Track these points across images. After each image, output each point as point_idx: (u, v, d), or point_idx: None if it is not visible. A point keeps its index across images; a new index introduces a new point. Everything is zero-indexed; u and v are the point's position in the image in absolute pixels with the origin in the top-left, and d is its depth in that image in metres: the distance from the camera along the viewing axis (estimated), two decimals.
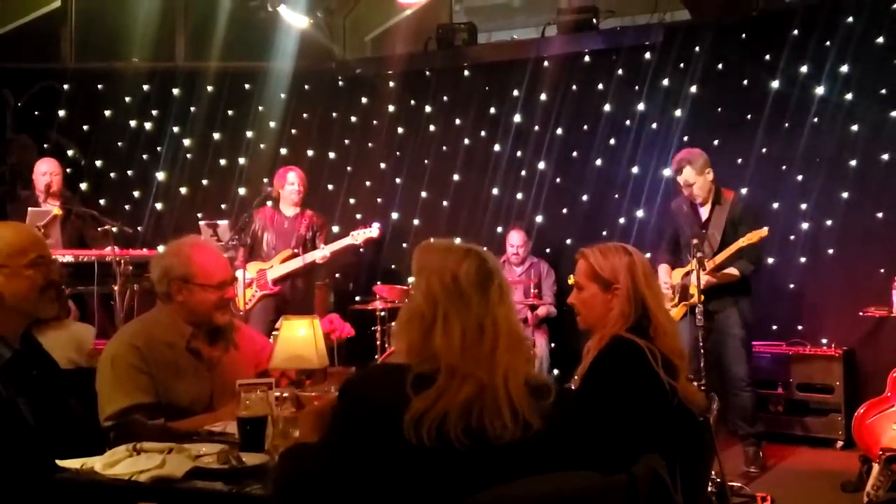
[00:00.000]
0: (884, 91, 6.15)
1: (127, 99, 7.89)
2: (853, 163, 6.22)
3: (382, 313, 6.70)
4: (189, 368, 2.89)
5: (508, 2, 9.98)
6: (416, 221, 7.74)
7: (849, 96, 6.29)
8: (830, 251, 6.24)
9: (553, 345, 6.76)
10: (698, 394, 2.65)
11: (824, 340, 6.11)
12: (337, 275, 7.70)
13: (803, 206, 6.39)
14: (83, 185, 7.64)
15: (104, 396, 2.77)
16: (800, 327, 6.29)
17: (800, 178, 6.43)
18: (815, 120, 6.38)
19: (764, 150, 6.52)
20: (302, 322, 2.76)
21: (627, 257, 2.76)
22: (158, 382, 2.79)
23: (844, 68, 6.30)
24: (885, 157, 6.13)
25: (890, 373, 4.77)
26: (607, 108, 7.13)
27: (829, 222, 6.29)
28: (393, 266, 7.77)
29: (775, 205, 6.45)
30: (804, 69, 6.44)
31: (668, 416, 2.55)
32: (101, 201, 7.65)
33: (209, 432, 2.70)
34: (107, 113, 7.89)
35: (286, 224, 6.46)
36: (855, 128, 6.24)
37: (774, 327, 6.30)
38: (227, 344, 3.04)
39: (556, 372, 6.69)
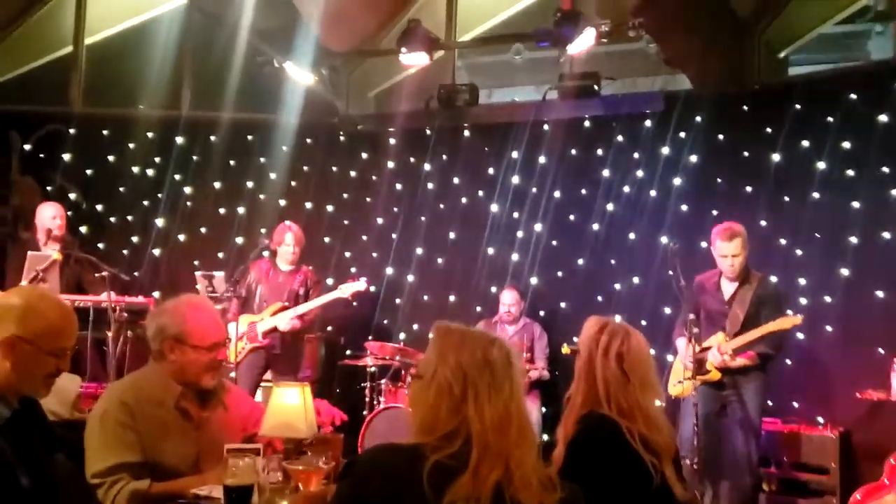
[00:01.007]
0: (886, 169, 6.13)
1: (131, 145, 7.93)
2: (853, 240, 6.19)
3: (373, 369, 6.65)
4: (177, 428, 2.86)
5: (510, 60, 10.11)
6: (410, 277, 7.72)
7: (850, 172, 6.28)
8: (829, 328, 6.17)
9: (544, 409, 6.67)
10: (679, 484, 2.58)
11: (820, 419, 6.01)
12: (329, 328, 7.64)
13: (802, 282, 6.34)
14: (83, 229, 7.64)
15: (92, 452, 2.74)
16: (795, 405, 6.20)
17: (799, 252, 6.40)
18: (816, 195, 6.37)
19: (763, 223, 6.50)
20: (292, 389, 2.71)
21: (596, 330, 2.72)
22: (145, 441, 2.77)
23: (846, 144, 6.30)
24: (887, 235, 6.09)
25: (887, 458, 4.67)
26: (606, 173, 7.15)
27: (827, 299, 6.23)
28: (386, 322, 7.73)
29: (773, 278, 6.39)
30: (805, 143, 6.46)
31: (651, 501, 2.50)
32: (101, 245, 7.65)
33: (195, 496, 2.67)
34: (110, 158, 7.93)
35: (280, 279, 6.44)
36: (856, 204, 6.22)
37: (770, 403, 6.19)
38: (217, 404, 3.01)
39: (545, 437, 6.59)
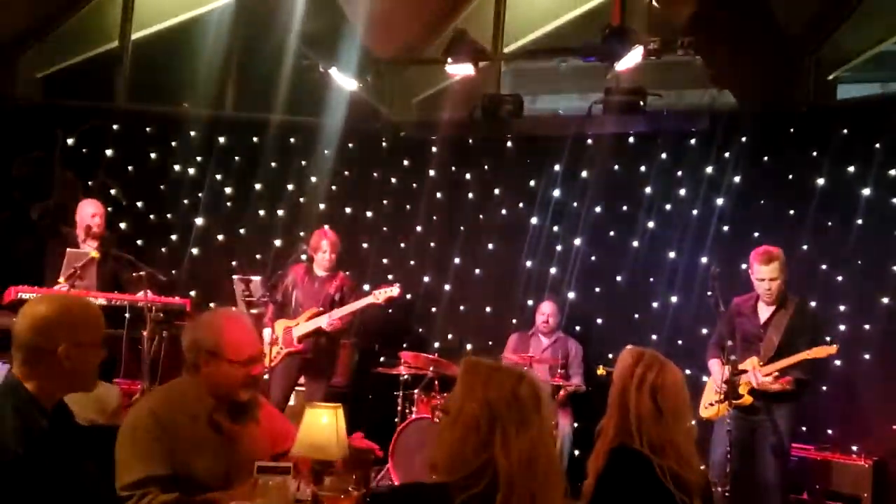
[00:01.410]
0: None
1: (173, 143, 7.99)
2: (895, 268, 6.10)
3: (406, 377, 6.66)
4: (208, 442, 2.85)
5: (556, 67, 10.05)
6: (447, 287, 7.72)
7: (894, 200, 6.19)
8: (867, 356, 6.10)
9: (577, 424, 6.65)
10: None
11: (854, 448, 5.95)
12: (362, 335, 7.65)
13: (841, 308, 6.27)
14: (123, 225, 7.70)
15: (122, 464, 2.74)
16: (829, 431, 6.14)
17: (839, 278, 6.33)
18: (860, 221, 6.30)
19: (805, 247, 6.44)
20: (325, 411, 2.72)
21: (631, 362, 2.69)
22: (176, 454, 2.76)
23: (893, 172, 6.22)
24: None
25: None
26: (648, 190, 7.12)
27: (867, 327, 6.17)
28: (421, 330, 7.74)
29: (812, 303, 6.32)
30: (851, 168, 6.38)
31: None
32: (139, 242, 7.70)
33: None
34: (153, 155, 7.98)
35: (317, 284, 6.45)
36: None
37: (804, 428, 6.14)
38: (249, 419, 3.00)
39: (576, 453, 6.57)
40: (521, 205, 7.57)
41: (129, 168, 7.94)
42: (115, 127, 7.94)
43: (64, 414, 2.64)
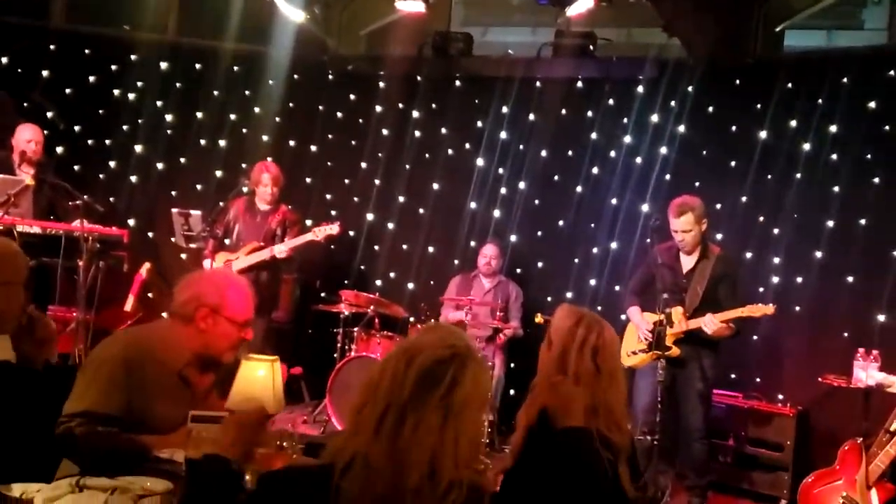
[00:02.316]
0: (869, 156, 6.18)
1: (113, 67, 7.73)
2: (830, 223, 6.26)
3: (346, 314, 6.68)
4: (173, 392, 2.85)
5: (507, 1, 9.92)
6: (390, 225, 7.71)
7: (834, 156, 6.32)
8: (797, 309, 6.28)
9: (512, 364, 6.76)
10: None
11: (780, 397, 6.17)
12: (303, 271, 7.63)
13: (776, 261, 6.43)
14: (59, 150, 7.49)
15: (74, 392, 2.74)
16: (758, 380, 6.33)
17: (776, 231, 6.47)
18: (798, 176, 6.42)
19: (744, 198, 6.55)
20: (262, 363, 2.71)
21: (573, 323, 2.71)
22: (135, 399, 2.76)
23: (833, 128, 6.32)
24: (863, 221, 6.16)
25: (842, 445, 4.82)
26: (594, 136, 7.14)
27: (799, 280, 6.34)
28: (363, 268, 7.74)
29: (748, 254, 6.49)
30: (793, 123, 6.47)
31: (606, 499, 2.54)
32: (76, 167, 7.52)
33: (156, 458, 2.68)
34: (91, 79, 7.73)
35: (258, 218, 6.42)
36: (836, 189, 6.27)
37: (733, 376, 6.35)
38: (222, 381, 2.99)
39: (511, 392, 6.71)
40: (467, 145, 7.54)
41: (67, 91, 7.68)
42: (51, 47, 7.65)
43: None
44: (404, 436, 1.82)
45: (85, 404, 2.70)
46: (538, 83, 7.29)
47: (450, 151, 7.59)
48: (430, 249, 7.59)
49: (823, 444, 5.67)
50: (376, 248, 7.71)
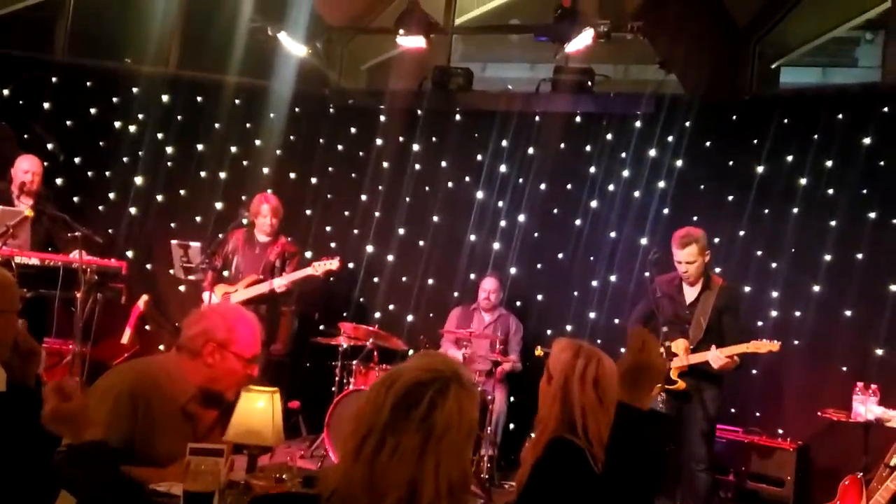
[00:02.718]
0: (865, 191, 6.23)
1: (114, 99, 7.78)
2: (828, 258, 6.29)
3: (345, 347, 6.66)
4: (176, 428, 2.85)
5: (507, 36, 10.03)
6: (390, 258, 7.73)
7: (830, 191, 6.36)
8: (796, 343, 6.28)
9: (512, 398, 6.74)
10: None
11: (780, 431, 6.15)
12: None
13: (774, 294, 6.45)
14: (59, 181, 7.51)
15: None
16: (758, 414, 6.33)
17: (774, 265, 6.49)
18: (795, 210, 6.46)
19: (742, 233, 6.59)
20: (261, 395, 2.71)
21: (571, 355, 2.72)
22: (139, 432, 2.76)
23: (829, 163, 6.38)
24: (860, 256, 6.18)
25: (842, 479, 4.81)
26: (592, 170, 7.19)
27: (797, 314, 6.35)
28: (362, 300, 7.74)
29: (746, 288, 6.50)
30: (789, 158, 6.53)
31: None
32: (76, 199, 7.53)
33: (153, 492, 2.65)
34: (92, 111, 7.76)
35: (257, 250, 6.44)
36: (833, 223, 6.31)
37: (733, 411, 6.33)
38: (224, 417, 2.99)
39: (511, 426, 6.68)
40: (466, 178, 7.59)
41: (68, 123, 7.70)
42: (53, 79, 7.70)
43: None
44: (382, 460, 1.76)
45: (91, 434, 2.65)
46: (537, 118, 7.36)
47: (449, 184, 7.64)
48: (430, 282, 7.60)
49: (824, 478, 5.65)
50: (376, 280, 7.72)
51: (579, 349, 2.74)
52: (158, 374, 2.89)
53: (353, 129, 7.92)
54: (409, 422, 1.77)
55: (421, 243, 7.66)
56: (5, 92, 7.52)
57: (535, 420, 2.78)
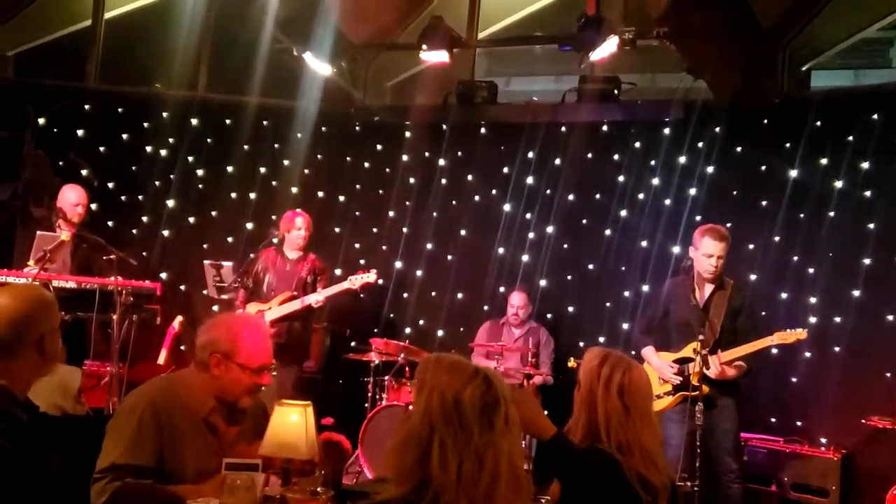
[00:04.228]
0: None
1: (145, 124, 7.89)
2: (867, 261, 6.16)
3: (376, 363, 6.65)
4: (200, 440, 2.85)
5: (531, 50, 10.01)
6: (419, 273, 7.71)
7: (868, 193, 6.24)
8: (837, 349, 6.15)
9: (546, 412, 6.65)
10: None
11: (823, 440, 6.01)
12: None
13: (812, 300, 6.32)
14: (93, 206, 7.57)
15: (110, 442, 2.74)
16: (799, 423, 6.19)
17: (811, 270, 6.37)
18: (832, 213, 6.34)
19: (776, 238, 6.48)
20: (295, 408, 2.69)
21: (598, 363, 2.69)
22: (166, 447, 2.76)
23: (865, 164, 6.26)
24: None
25: (889, 488, 4.67)
26: (621, 178, 7.13)
27: (837, 319, 6.21)
28: (392, 315, 7.73)
29: (783, 295, 6.38)
30: (824, 161, 6.42)
31: None
32: (110, 223, 7.63)
33: None
34: (124, 136, 7.88)
35: (288, 267, 6.44)
36: (871, 226, 6.18)
37: (773, 420, 6.21)
38: (248, 426, 2.99)
39: None
40: (493, 191, 7.56)
41: (101, 148, 7.84)
42: (86, 107, 7.83)
43: (31, 404, 2.62)
44: (486, 472, 1.83)
45: (117, 457, 2.70)
46: (563, 128, 7.32)
47: (476, 198, 7.62)
48: (459, 296, 7.57)
49: (870, 487, 5.51)
50: (405, 295, 7.70)
51: (607, 356, 2.72)
52: (178, 388, 2.89)
53: (379, 146, 7.94)
54: (495, 429, 1.88)
55: (449, 258, 7.64)
56: (41, 121, 7.65)
57: (564, 430, 2.74)
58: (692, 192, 6.84)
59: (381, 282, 7.55)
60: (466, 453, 1.84)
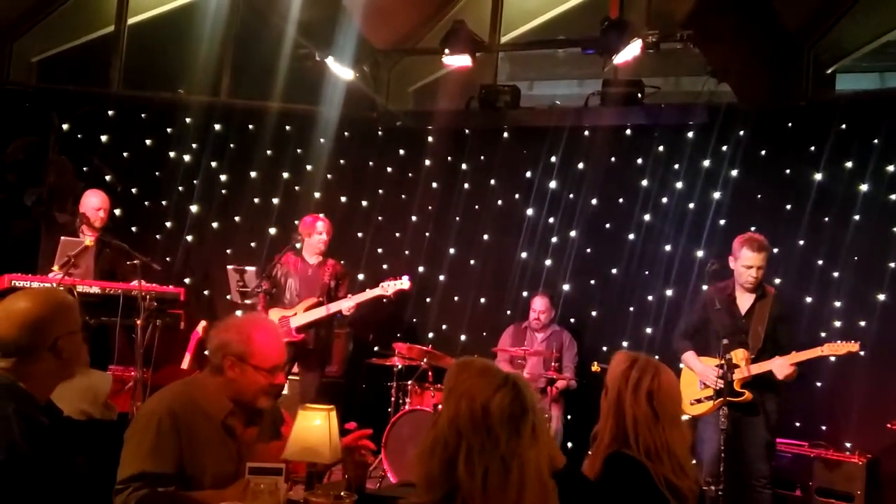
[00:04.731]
0: None
1: (169, 130, 7.94)
2: (893, 265, 6.11)
3: (399, 367, 6.65)
4: (218, 444, 2.85)
5: (553, 54, 9.99)
6: (441, 277, 7.71)
7: (893, 197, 6.19)
8: (862, 353, 6.05)
9: (569, 416, 6.65)
10: None
11: (848, 445, 5.96)
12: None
13: (837, 304, 6.27)
14: (117, 212, 7.64)
15: (126, 454, 2.74)
16: (824, 428, 6.14)
17: (836, 274, 6.32)
18: (857, 217, 6.29)
19: (801, 242, 6.43)
20: (318, 413, 2.69)
21: (626, 367, 2.67)
22: (186, 452, 2.76)
23: (891, 168, 6.21)
24: None
25: None
26: (645, 183, 7.10)
27: (862, 323, 6.16)
28: (415, 320, 7.73)
29: (808, 299, 6.34)
30: (849, 164, 6.37)
31: None
32: (133, 229, 7.67)
33: None
34: (148, 142, 7.94)
35: (310, 272, 6.43)
36: None
37: (798, 424, 6.16)
38: (266, 429, 3.00)
39: (569, 445, 6.58)
40: (516, 196, 7.55)
41: (125, 154, 7.89)
42: (110, 113, 7.89)
43: (54, 408, 2.64)
44: (513, 481, 1.83)
45: (138, 466, 2.69)
46: (586, 132, 7.30)
47: (499, 202, 7.61)
48: (482, 300, 7.57)
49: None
50: (428, 300, 7.70)
51: (635, 361, 2.69)
52: (194, 392, 2.89)
53: (401, 151, 7.95)
54: (521, 437, 1.87)
55: (472, 262, 7.63)
56: (65, 127, 7.71)
57: (592, 433, 2.72)
58: (716, 196, 6.80)
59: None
60: (493, 461, 1.84)
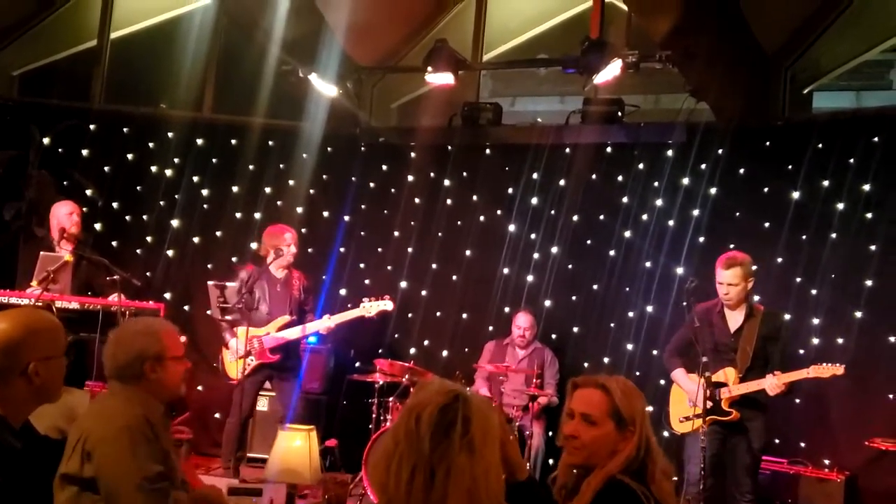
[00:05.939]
0: None
1: (150, 144, 7.93)
2: (869, 283, 6.18)
3: (381, 384, 6.64)
4: (170, 446, 2.93)
5: (535, 71, 10.07)
6: (424, 293, 7.71)
7: (869, 215, 6.27)
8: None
9: (550, 433, 6.66)
10: None
11: (826, 462, 6.01)
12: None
13: (815, 322, 6.33)
14: (98, 226, 7.64)
15: (132, 464, 2.69)
16: (803, 444, 6.19)
17: (814, 292, 6.39)
18: (834, 235, 6.37)
19: (779, 259, 6.50)
20: (298, 433, 2.70)
21: (644, 402, 2.74)
22: (166, 456, 2.83)
23: (867, 186, 6.29)
24: None
25: None
26: (625, 200, 7.15)
27: (840, 341, 6.23)
28: (397, 336, 7.71)
29: (786, 316, 6.37)
30: (826, 183, 6.45)
31: None
32: (115, 243, 7.66)
33: None
34: (129, 156, 7.93)
35: (279, 287, 6.36)
36: (873, 247, 6.21)
37: (777, 441, 6.20)
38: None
39: (550, 462, 6.59)
40: (498, 212, 7.58)
41: (106, 168, 7.88)
42: (91, 127, 7.88)
43: (30, 430, 2.62)
44: (437, 488, 1.84)
45: (155, 467, 2.71)
46: (567, 149, 7.35)
47: (481, 218, 7.63)
48: (464, 316, 7.57)
49: None
50: (410, 315, 7.70)
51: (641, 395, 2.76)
52: (147, 402, 2.89)
53: (384, 167, 7.97)
54: (451, 444, 1.87)
55: (454, 278, 7.64)
56: (45, 141, 7.69)
57: (584, 463, 2.72)
58: (695, 213, 6.87)
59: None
60: (419, 467, 1.86)
